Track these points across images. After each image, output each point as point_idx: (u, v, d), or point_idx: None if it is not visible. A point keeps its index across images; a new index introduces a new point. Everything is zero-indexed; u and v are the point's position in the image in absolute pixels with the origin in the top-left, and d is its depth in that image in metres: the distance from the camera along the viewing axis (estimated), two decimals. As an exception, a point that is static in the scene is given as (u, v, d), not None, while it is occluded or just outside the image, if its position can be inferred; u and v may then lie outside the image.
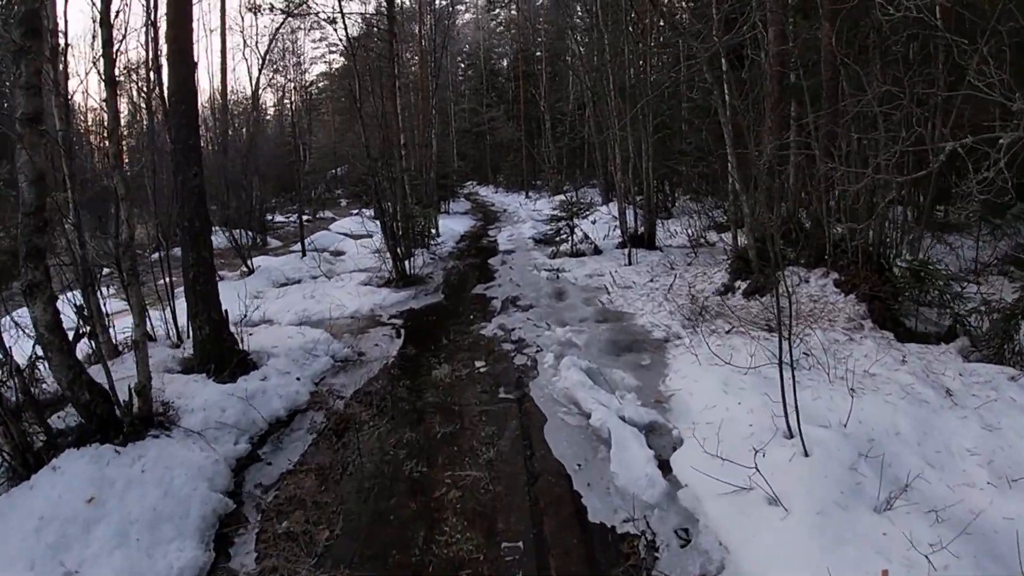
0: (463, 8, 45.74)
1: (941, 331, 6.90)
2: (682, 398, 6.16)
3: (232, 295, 11.30)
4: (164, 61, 7.01)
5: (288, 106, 37.84)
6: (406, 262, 11.90)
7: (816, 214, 9.22)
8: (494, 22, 45.05)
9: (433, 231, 16.72)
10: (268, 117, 42.86)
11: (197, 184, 6.73)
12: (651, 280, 10.94)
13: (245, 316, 9.72)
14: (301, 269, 13.81)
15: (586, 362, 6.87)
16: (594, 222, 15.47)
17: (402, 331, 9.04)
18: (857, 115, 7.91)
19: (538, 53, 34.02)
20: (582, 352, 7.47)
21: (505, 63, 42.65)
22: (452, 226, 18.89)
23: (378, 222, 13.07)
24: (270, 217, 26.60)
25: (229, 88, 25.41)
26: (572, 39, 22.09)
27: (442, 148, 26.69)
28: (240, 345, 7.38)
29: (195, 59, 7.03)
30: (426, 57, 23.81)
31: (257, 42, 22.11)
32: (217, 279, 7.09)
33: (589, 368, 6.72)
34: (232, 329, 7.40)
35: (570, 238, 13.28)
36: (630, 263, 12.15)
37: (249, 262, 13.77)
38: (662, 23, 17.88)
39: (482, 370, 7.24)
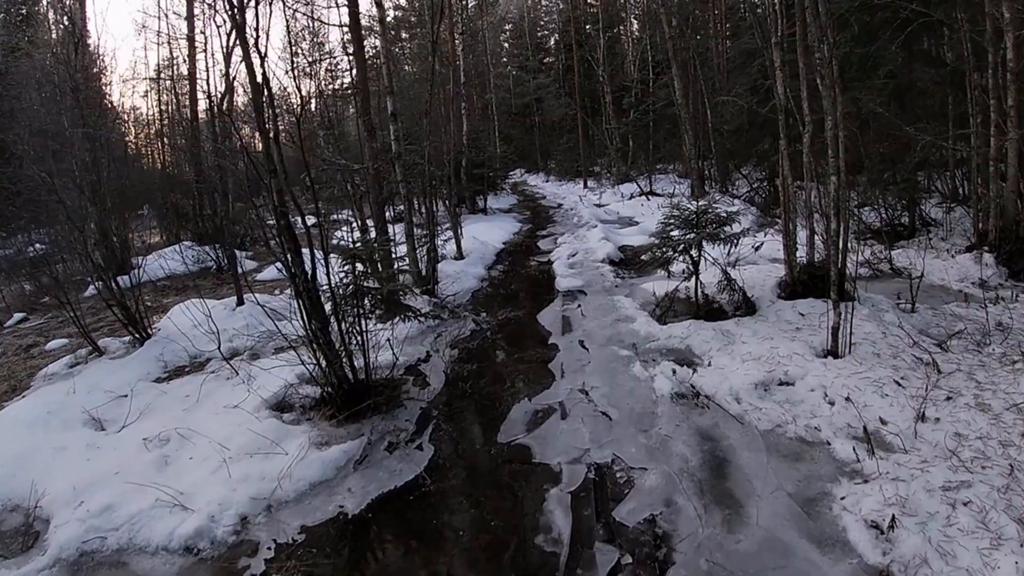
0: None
1: None
2: None
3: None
4: None
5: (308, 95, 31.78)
6: (370, 341, 5.31)
7: None
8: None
9: (446, 255, 10.13)
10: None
11: None
12: (928, 417, 4.11)
13: None
14: (225, 331, 7.43)
15: None
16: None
17: None
18: None
19: (588, 27, 26.73)
20: None
21: (552, 42, 35.20)
22: (486, 236, 12.17)
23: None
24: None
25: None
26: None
27: (478, 129, 19.83)
28: None
29: None
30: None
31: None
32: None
33: None
34: None
35: (693, 278, 6.39)
36: (836, 350, 5.26)
37: (145, 323, 7.63)
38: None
39: None
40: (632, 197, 17.52)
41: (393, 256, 7.94)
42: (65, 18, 16.01)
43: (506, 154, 23.13)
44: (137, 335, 7.64)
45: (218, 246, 13.97)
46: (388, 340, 5.49)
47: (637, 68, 22.70)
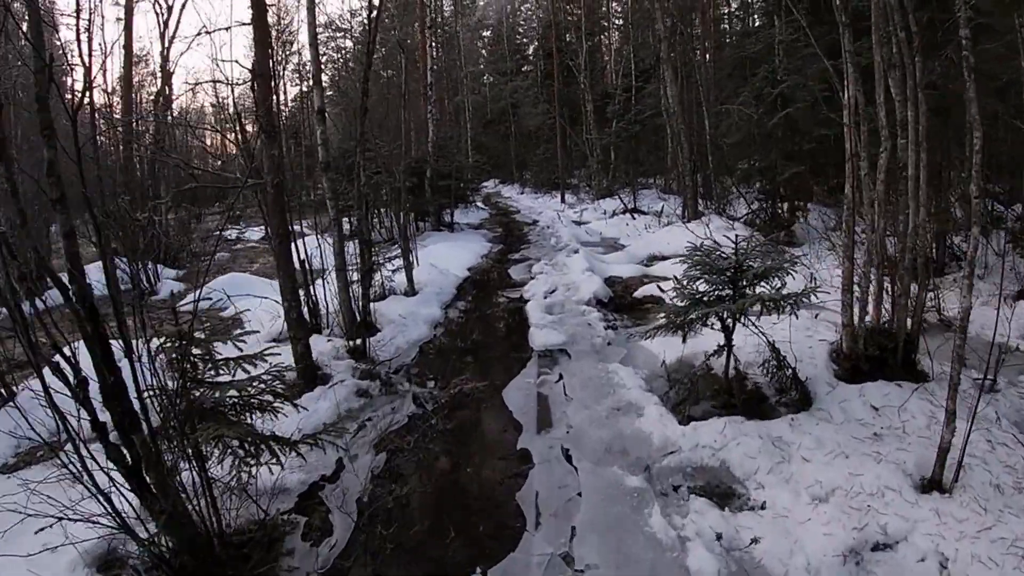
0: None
1: None
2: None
3: None
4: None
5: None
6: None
7: None
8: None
9: (395, 288, 8.06)
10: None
11: None
12: None
13: None
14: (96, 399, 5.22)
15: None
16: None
17: None
18: None
19: (568, 36, 24.95)
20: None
21: (531, 49, 33.28)
22: (448, 261, 10.09)
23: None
24: (233, 235, 18.29)
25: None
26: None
27: (447, 136, 17.72)
28: None
29: None
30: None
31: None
32: None
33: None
34: None
35: (726, 354, 4.39)
36: (941, 479, 3.40)
37: (8, 378, 5.60)
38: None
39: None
40: (615, 214, 15.64)
41: (312, 301, 5.91)
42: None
43: (479, 164, 21.10)
44: (-6, 397, 5.47)
45: (135, 263, 11.64)
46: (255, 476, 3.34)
47: (621, 75, 20.91)
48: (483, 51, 37.57)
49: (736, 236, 4.27)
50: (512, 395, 5.01)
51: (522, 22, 36.07)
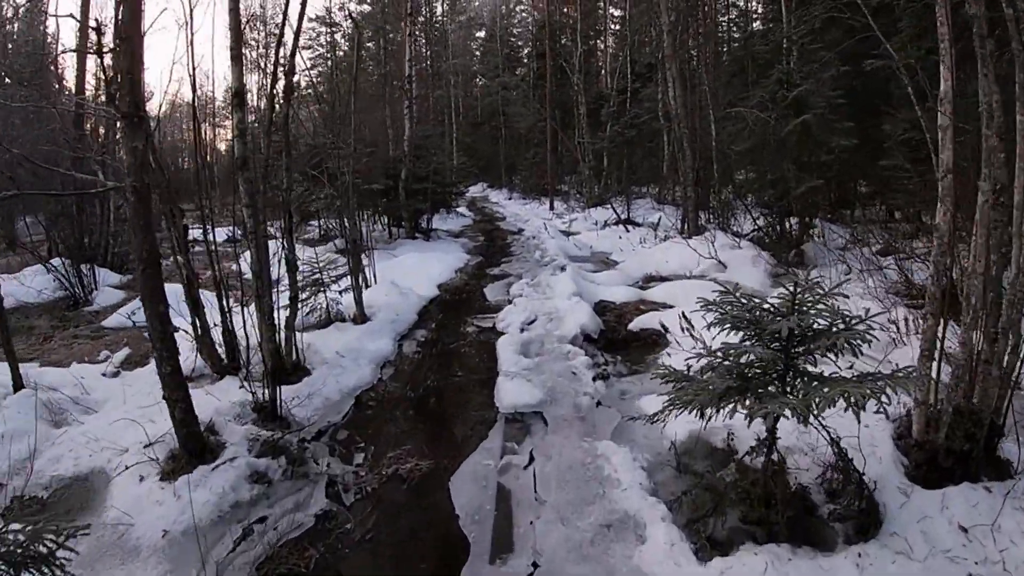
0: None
1: None
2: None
3: None
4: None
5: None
6: None
7: None
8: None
9: (343, 312, 6.67)
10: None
11: None
12: None
13: None
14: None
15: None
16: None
17: None
18: None
19: (563, 39, 23.71)
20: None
21: (524, 53, 31.94)
22: (414, 277, 8.67)
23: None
24: (197, 235, 16.59)
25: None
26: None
27: (426, 135, 16.27)
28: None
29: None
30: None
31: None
32: None
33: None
34: None
35: (767, 450, 3.04)
36: None
37: None
38: None
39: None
40: (607, 225, 14.32)
41: (228, 331, 4.54)
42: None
43: (465, 166, 19.71)
44: None
45: (69, 264, 10.07)
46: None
47: (617, 76, 19.64)
48: (476, 51, 36.29)
49: (796, 286, 2.90)
50: (463, 486, 3.61)
51: (516, 23, 34.80)
